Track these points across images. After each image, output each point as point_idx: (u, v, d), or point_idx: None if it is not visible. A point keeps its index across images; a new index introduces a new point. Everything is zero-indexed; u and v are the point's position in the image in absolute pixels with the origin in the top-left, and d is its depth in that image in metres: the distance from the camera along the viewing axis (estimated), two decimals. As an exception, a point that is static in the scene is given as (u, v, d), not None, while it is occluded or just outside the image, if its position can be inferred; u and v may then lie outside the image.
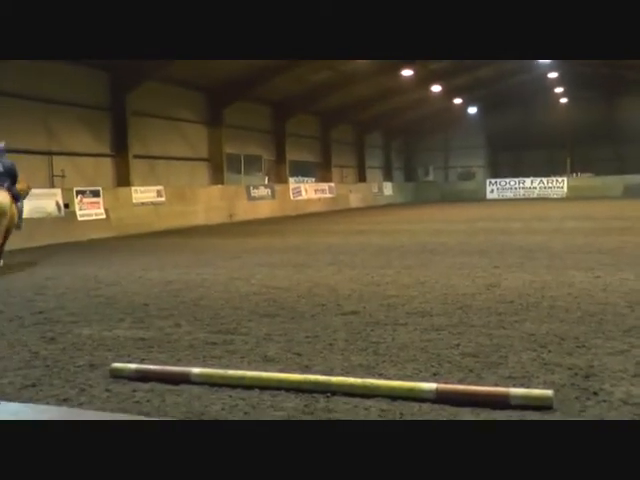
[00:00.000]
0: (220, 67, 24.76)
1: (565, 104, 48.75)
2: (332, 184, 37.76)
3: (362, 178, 43.74)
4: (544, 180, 47.39)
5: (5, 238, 11.60)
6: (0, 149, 11.65)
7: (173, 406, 4.06)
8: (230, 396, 4.20)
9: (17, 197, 11.84)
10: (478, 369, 4.66)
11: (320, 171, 38.89)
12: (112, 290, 8.95)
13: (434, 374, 4.57)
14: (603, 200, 36.29)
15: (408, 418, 3.74)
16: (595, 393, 4.08)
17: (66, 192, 19.27)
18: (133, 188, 22.32)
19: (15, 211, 11.64)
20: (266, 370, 4.68)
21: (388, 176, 48.18)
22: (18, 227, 12.07)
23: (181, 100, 26.57)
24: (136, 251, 14.92)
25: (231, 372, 4.50)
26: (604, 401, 3.94)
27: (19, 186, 12.04)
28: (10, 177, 11.55)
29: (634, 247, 12.31)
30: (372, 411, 3.86)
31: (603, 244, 13.03)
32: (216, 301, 7.78)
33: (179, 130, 26.62)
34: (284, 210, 30.85)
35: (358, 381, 4.23)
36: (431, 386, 4.06)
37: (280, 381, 4.33)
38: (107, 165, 23.08)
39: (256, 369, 4.73)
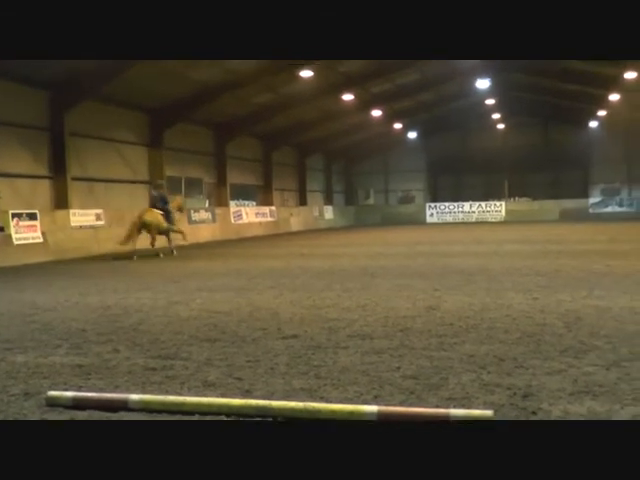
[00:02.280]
0: (161, 88, 24.65)
1: (503, 130, 49.92)
2: (273, 207, 37.75)
3: (303, 201, 43.82)
4: (483, 204, 48.29)
5: (167, 236, 20.25)
6: (158, 185, 20.96)
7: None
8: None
9: (168, 213, 19.77)
10: (419, 391, 4.71)
11: (261, 194, 38.84)
12: (49, 316, 8.76)
13: (375, 396, 4.59)
14: (540, 224, 37.11)
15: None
16: (534, 412, 4.16)
17: (2, 215, 18.80)
18: (71, 211, 21.89)
19: (163, 223, 19.46)
20: (206, 395, 4.64)
21: (329, 199, 48.41)
22: (178, 231, 20.70)
23: (121, 121, 26.23)
24: (74, 276, 14.64)
25: (171, 398, 4.45)
26: (542, 420, 4.02)
27: (172, 204, 20.28)
28: (163, 202, 19.81)
29: (570, 269, 12.61)
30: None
31: (540, 267, 13.31)
32: (155, 326, 7.69)
33: (119, 152, 26.28)
34: (225, 234, 30.68)
35: (299, 405, 4.22)
36: (372, 409, 4.08)
37: (221, 406, 4.30)
38: (45, 187, 22.58)
39: (196, 395, 4.68)
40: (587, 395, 4.51)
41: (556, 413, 4.13)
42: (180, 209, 21.39)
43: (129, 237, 18.98)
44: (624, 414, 4.10)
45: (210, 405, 4.33)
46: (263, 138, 37.61)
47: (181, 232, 20.74)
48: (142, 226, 19.07)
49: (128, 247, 18.92)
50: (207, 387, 4.98)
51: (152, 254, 19.63)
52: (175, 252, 20.09)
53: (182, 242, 21.15)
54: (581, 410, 4.18)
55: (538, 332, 6.68)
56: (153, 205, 19.65)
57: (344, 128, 41.93)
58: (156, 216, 19.24)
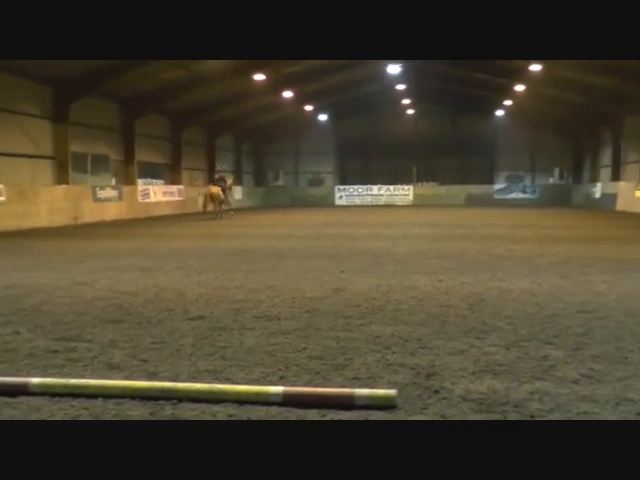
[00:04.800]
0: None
1: (412, 116, 50.70)
2: (182, 187, 37.25)
3: (212, 181, 43.36)
4: (391, 188, 49.09)
5: (220, 205, 29.06)
6: (218, 171, 34.56)
7: (9, 419, 3.87)
8: (72, 406, 4.05)
9: (224, 190, 29.30)
10: (325, 371, 4.75)
11: (170, 173, 38.20)
12: (-57, 295, 8.41)
13: (281, 377, 4.61)
14: (447, 208, 37.97)
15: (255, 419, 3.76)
16: (436, 391, 4.27)
17: None
18: (-31, 186, 21.05)
19: (222, 195, 28.89)
20: (110, 378, 4.55)
21: (238, 180, 48.07)
22: (228, 203, 30.51)
23: (24, 92, 25.12)
24: (-29, 253, 14.09)
25: (73, 381, 4.34)
26: (444, 398, 4.13)
27: (228, 183, 30.49)
28: (222, 181, 29.91)
29: (475, 253, 12.96)
30: (219, 416, 3.85)
31: (446, 250, 13.63)
32: (58, 307, 7.49)
33: (21, 125, 25.23)
34: (132, 212, 30.13)
35: (205, 386, 4.20)
36: (278, 389, 4.10)
37: (125, 389, 4.23)
38: (-60, 161, 21.62)
39: (100, 377, 4.59)
40: (488, 374, 4.65)
41: (458, 392, 4.24)
42: (230, 188, 31.79)
43: (205, 205, 29.53)
44: (521, 391, 4.25)
45: (114, 388, 4.25)
46: (172, 116, 36.96)
47: (229, 204, 31.16)
48: (211, 197, 28.86)
49: (209, 209, 29.17)
50: (111, 369, 4.88)
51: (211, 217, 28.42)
52: (232, 212, 31.58)
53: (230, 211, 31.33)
54: (481, 388, 4.32)
55: (442, 313, 6.84)
56: (215, 182, 30.30)
57: (255, 109, 41.71)
58: (217, 190, 28.93)
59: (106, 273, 10.40)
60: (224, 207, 29.78)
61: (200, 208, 30.80)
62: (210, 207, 29.09)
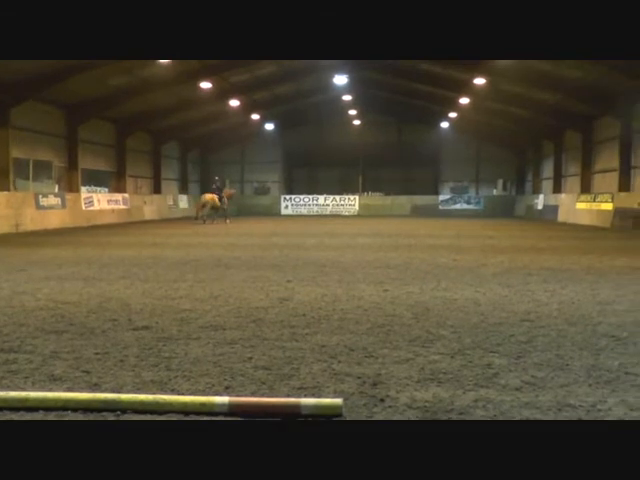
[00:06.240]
0: (8, 61, 23.25)
1: (359, 126, 50.98)
2: (126, 195, 36.78)
3: (157, 190, 42.89)
4: (337, 198, 49.26)
5: (216, 211, 32.03)
6: (215, 180, 34.43)
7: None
8: (12, 420, 3.96)
9: (220, 198, 32.15)
10: (270, 381, 4.74)
11: (114, 181, 37.66)
12: None
13: (227, 387, 4.59)
14: (392, 218, 38.31)
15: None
16: (382, 400, 4.30)
17: None
18: None
19: (217, 202, 31.55)
20: (52, 390, 4.47)
21: (184, 188, 47.68)
22: (224, 211, 32.84)
23: (-39, 96, 24.57)
24: None
25: (13, 394, 4.23)
26: (390, 407, 4.17)
27: (226, 192, 33.66)
28: (219, 190, 32.70)
29: (420, 262, 13.09)
30: (163, 428, 3.80)
31: (391, 259, 13.74)
32: (-2, 316, 7.31)
33: (-41, 130, 24.63)
34: (75, 221, 29.62)
35: (150, 397, 4.15)
36: (224, 399, 4.07)
37: (67, 401, 4.15)
38: None
39: (41, 389, 4.50)
40: (433, 382, 4.71)
41: (403, 400, 4.28)
42: (229, 197, 34.14)
43: (198, 210, 32.64)
44: (466, 399, 4.31)
45: (56, 400, 4.16)
46: (117, 122, 36.49)
47: (224, 210, 33.03)
48: (204, 203, 31.69)
49: (200, 214, 31.92)
50: (53, 381, 4.79)
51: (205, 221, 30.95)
52: (229, 221, 32.75)
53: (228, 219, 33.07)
54: (427, 396, 4.36)
55: (388, 323, 6.89)
56: (212, 191, 32.87)
57: (201, 116, 41.46)
58: (213, 197, 31.80)
59: (48, 282, 10.20)
60: (219, 213, 32.71)
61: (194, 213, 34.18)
62: (199, 212, 32.20)
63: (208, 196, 32.12)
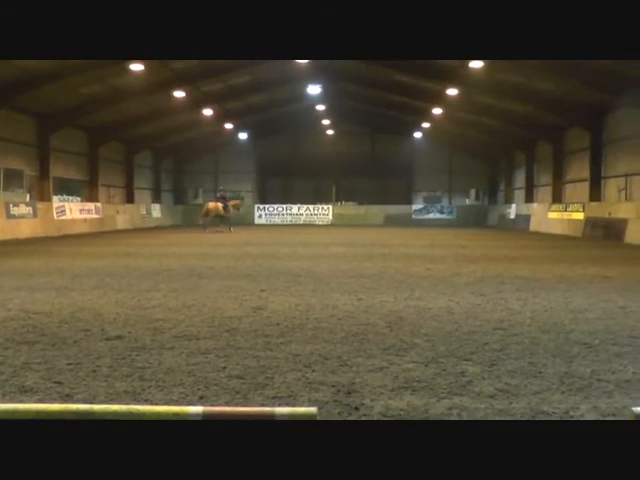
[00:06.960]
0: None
1: (333, 136, 51.09)
2: (99, 204, 36.50)
3: (130, 199, 42.62)
4: (311, 207, 49.27)
5: (221, 219, 33.51)
6: (220, 190, 38.34)
7: None
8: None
9: (226, 207, 33.55)
10: (245, 390, 4.73)
11: (86, 190, 37.37)
12: None
13: (201, 397, 4.57)
14: (366, 228, 38.39)
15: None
16: (356, 408, 4.30)
17: None
18: None
19: (222, 211, 33.01)
20: (23, 401, 4.42)
21: (157, 198, 47.41)
22: (227, 219, 33.60)
23: None
24: None
25: (-18, 404, 4.18)
26: (365, 415, 4.17)
27: (232, 203, 35.09)
28: (224, 199, 34.25)
29: (393, 272, 13.13)
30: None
31: (365, 269, 13.76)
32: (-33, 327, 7.21)
33: None
34: (47, 230, 29.31)
35: (123, 408, 4.10)
36: (198, 409, 4.03)
37: (38, 412, 4.07)
38: None
39: (11, 401, 4.44)
40: (407, 390, 4.72)
41: (377, 409, 4.29)
42: (236, 207, 35.43)
43: (201, 218, 33.38)
44: (440, 407, 4.32)
45: (27, 412, 4.09)
46: (90, 131, 36.24)
47: (228, 219, 33.77)
48: (208, 211, 32.85)
49: (201, 221, 33.09)
50: (24, 393, 4.73)
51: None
52: (232, 229, 32.84)
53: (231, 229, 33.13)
54: (401, 405, 4.37)
55: (362, 332, 6.90)
56: (216, 200, 34.09)
57: (174, 126, 41.31)
58: (217, 206, 33.02)
59: (19, 292, 10.08)
60: (224, 222, 33.64)
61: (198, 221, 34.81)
62: (201, 221, 33.44)
63: (211, 205, 33.37)
